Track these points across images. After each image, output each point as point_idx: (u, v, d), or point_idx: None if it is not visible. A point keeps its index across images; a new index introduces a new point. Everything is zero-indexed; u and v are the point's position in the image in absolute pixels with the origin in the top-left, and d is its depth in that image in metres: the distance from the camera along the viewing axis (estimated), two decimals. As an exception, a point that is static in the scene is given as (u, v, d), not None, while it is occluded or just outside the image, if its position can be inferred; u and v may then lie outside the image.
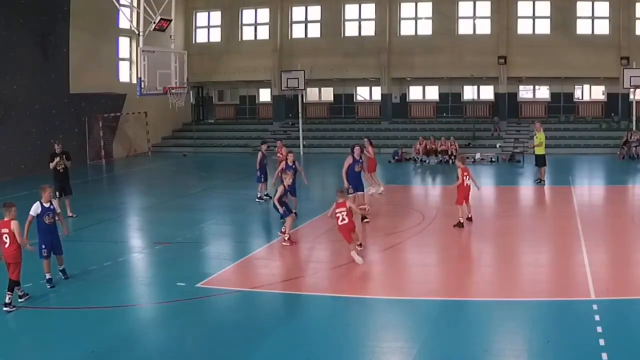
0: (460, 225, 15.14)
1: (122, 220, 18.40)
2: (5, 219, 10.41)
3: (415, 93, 37.57)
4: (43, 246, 11.31)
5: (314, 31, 37.25)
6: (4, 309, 10.09)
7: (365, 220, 16.17)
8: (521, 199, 21.56)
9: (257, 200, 19.34)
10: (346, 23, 36.83)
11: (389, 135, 34.65)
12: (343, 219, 12.41)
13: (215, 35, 38.77)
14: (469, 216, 15.65)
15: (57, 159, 17.35)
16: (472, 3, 35.11)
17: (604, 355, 7.90)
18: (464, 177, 15.21)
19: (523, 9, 34.38)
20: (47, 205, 11.33)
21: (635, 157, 28.46)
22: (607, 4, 32.99)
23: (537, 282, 11.34)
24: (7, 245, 10.30)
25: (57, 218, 11.55)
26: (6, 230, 10.31)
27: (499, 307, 10.14)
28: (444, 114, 36.51)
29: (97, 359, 8.47)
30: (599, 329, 8.68)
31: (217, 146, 35.96)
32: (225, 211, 19.06)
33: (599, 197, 21.28)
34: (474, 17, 35.03)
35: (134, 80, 28.15)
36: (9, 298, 10.18)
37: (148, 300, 11.15)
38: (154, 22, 21.91)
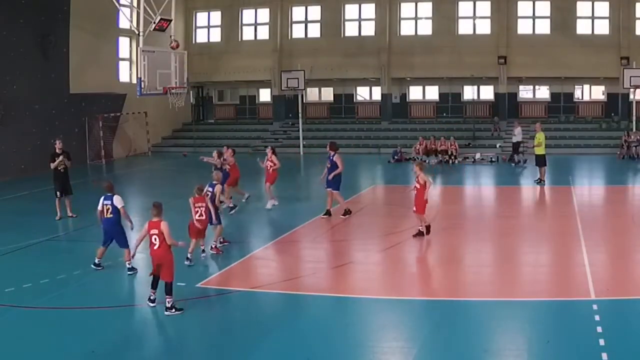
0: (421, 233, 14.27)
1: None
2: (155, 219, 10.27)
3: (415, 93, 37.54)
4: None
5: (314, 31, 37.22)
6: (165, 312, 9.94)
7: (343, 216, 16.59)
8: (521, 199, 21.55)
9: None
10: (346, 23, 36.79)
11: (389, 135, 34.64)
12: (201, 214, 12.79)
13: (215, 35, 38.74)
14: (426, 226, 14.45)
15: (59, 159, 17.29)
16: (472, 3, 35.08)
17: (604, 355, 7.91)
18: (422, 184, 14.21)
19: (523, 9, 34.35)
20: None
21: (635, 157, 28.47)
22: (607, 4, 32.97)
23: (537, 282, 11.35)
24: (156, 247, 10.16)
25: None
26: (155, 231, 10.14)
27: (499, 307, 10.14)
28: (444, 114, 36.49)
29: (97, 359, 8.48)
30: (599, 329, 8.69)
31: (217, 146, 35.66)
32: (225, 211, 19.02)
33: (599, 197, 21.30)
34: (474, 17, 35.00)
35: (134, 80, 28.12)
36: (170, 302, 9.97)
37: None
38: (154, 22, 21.90)
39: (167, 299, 9.98)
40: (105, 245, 12.37)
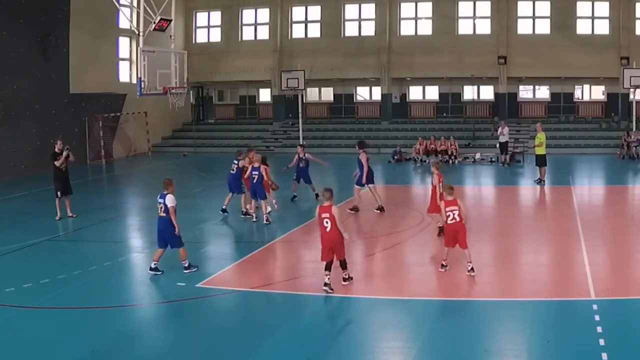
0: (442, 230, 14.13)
1: (122, 220, 18.40)
2: (326, 203, 10.69)
3: (415, 93, 37.55)
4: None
5: (314, 31, 37.21)
6: (343, 283, 10.97)
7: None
8: (521, 199, 21.56)
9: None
10: (346, 23, 36.79)
11: (389, 135, 34.62)
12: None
13: (215, 35, 38.74)
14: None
15: (64, 154, 17.21)
16: (472, 3, 35.07)
17: (604, 355, 7.90)
18: (440, 184, 14.09)
19: (523, 9, 34.33)
20: None
21: (635, 157, 28.46)
22: (607, 4, 32.96)
23: (537, 282, 11.34)
24: (328, 229, 10.60)
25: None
26: (327, 215, 10.58)
27: (499, 307, 10.14)
28: (444, 114, 36.49)
29: (97, 359, 8.48)
30: (599, 329, 8.69)
31: (217, 146, 35.95)
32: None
33: (599, 197, 21.28)
34: (474, 17, 35.00)
35: (134, 80, 28.15)
36: (346, 273, 11.05)
37: (148, 300, 11.15)
38: (154, 22, 21.91)
39: (344, 273, 10.98)
40: (162, 247, 11.93)
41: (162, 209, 11.80)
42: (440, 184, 14.30)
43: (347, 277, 11.07)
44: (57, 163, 17.15)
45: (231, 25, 38.03)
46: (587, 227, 14.94)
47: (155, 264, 11.98)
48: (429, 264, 13.08)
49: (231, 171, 17.34)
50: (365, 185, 17.52)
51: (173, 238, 11.83)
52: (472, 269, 11.39)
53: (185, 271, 11.93)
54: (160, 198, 11.90)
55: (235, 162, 17.31)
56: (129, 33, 32.79)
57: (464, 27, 35.16)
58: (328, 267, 10.75)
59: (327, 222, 10.59)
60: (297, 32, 37.62)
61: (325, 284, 10.67)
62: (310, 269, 12.60)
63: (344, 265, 10.94)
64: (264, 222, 16.16)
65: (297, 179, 19.32)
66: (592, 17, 33.35)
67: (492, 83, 35.03)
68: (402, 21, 36.07)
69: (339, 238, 10.64)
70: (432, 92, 37.08)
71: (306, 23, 37.52)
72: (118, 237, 16.09)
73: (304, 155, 19.18)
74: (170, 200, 11.74)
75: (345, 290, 11.23)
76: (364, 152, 17.55)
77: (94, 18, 30.14)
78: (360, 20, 36.83)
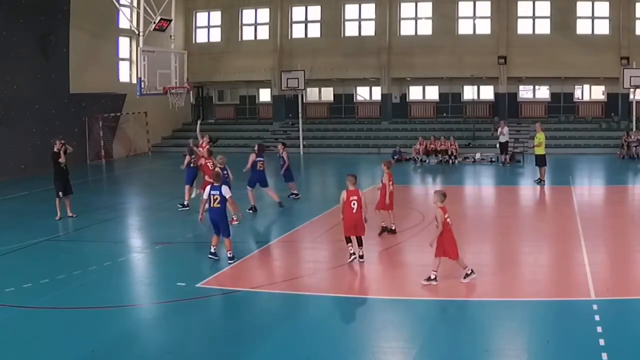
0: (393, 231, 14.50)
1: (122, 220, 18.39)
2: (351, 188, 12.14)
3: (415, 93, 37.55)
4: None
5: (314, 31, 37.22)
6: (360, 260, 12.28)
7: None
8: (521, 199, 21.56)
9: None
10: (346, 23, 36.80)
11: (389, 135, 34.64)
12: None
13: (215, 35, 38.75)
14: (393, 227, 14.74)
15: (62, 149, 17.26)
16: (472, 3, 35.08)
17: (604, 355, 7.91)
18: (389, 183, 14.40)
19: (523, 9, 34.35)
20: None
21: (635, 157, 28.46)
22: (607, 4, 32.97)
23: (537, 282, 11.34)
24: (354, 211, 12.03)
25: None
26: (355, 198, 12.06)
27: (499, 307, 10.14)
28: (444, 114, 36.49)
29: (97, 359, 8.48)
30: (599, 329, 8.69)
31: (217, 146, 35.77)
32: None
33: (599, 197, 21.29)
34: (474, 17, 35.01)
35: (134, 80, 28.15)
36: (362, 250, 12.31)
37: (148, 300, 11.15)
38: (154, 22, 21.91)
39: (360, 250, 12.23)
40: (218, 235, 12.67)
41: (218, 200, 12.40)
42: (391, 183, 14.46)
43: (362, 254, 12.22)
44: (61, 160, 17.19)
45: (231, 25, 38.03)
46: (587, 227, 14.94)
47: (214, 249, 12.76)
48: (429, 263, 13.06)
49: (191, 164, 17.79)
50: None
51: (225, 228, 12.56)
52: (435, 278, 10.96)
53: (230, 261, 12.59)
54: (214, 190, 12.49)
55: (193, 155, 17.89)
56: (129, 33, 32.79)
57: (464, 27, 35.17)
58: (349, 240, 12.20)
59: (354, 204, 11.98)
60: (297, 32, 37.63)
61: (350, 254, 12.15)
62: (310, 269, 12.61)
63: (361, 242, 12.18)
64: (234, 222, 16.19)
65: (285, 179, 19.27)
66: (592, 17, 33.36)
67: (492, 83, 35.03)
68: (402, 21, 36.08)
69: (362, 217, 12.07)
70: (432, 92, 37.08)
71: (306, 23, 37.52)
72: (118, 237, 16.09)
73: (283, 152, 19.08)
74: (226, 191, 12.49)
75: (345, 290, 11.26)
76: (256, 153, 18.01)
77: (94, 18, 30.14)
78: (360, 20, 36.83)
